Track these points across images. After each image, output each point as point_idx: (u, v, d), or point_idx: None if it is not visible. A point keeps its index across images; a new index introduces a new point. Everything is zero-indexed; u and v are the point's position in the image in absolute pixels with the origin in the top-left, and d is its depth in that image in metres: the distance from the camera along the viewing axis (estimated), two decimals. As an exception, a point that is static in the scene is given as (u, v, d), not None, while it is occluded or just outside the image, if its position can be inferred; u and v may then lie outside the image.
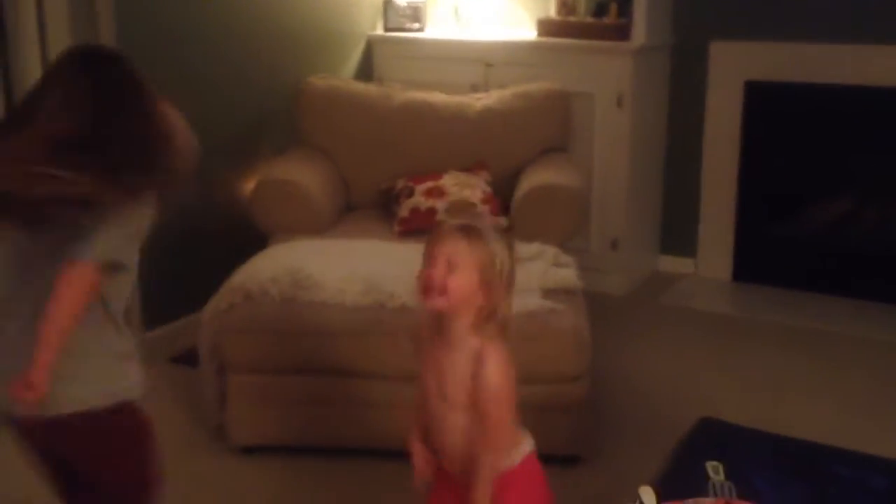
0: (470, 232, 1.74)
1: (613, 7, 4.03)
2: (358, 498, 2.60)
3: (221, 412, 2.81)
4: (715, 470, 1.89)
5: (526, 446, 1.86)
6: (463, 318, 1.75)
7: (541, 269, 2.84)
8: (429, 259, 1.74)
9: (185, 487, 2.64)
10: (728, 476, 1.86)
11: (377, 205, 3.62)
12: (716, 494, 1.80)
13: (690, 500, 1.71)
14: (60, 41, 3.03)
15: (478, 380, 1.73)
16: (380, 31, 4.46)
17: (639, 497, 1.75)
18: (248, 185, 3.62)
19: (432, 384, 1.82)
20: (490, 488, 1.76)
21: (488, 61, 4.19)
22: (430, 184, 3.45)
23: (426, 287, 1.72)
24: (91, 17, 3.06)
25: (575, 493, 2.58)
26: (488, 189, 3.46)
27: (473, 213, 1.84)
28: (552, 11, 4.21)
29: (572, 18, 4.14)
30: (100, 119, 1.74)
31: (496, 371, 1.74)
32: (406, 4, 4.42)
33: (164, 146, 1.84)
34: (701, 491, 1.81)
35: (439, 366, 1.80)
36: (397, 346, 2.58)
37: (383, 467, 2.66)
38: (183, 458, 2.78)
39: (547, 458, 2.61)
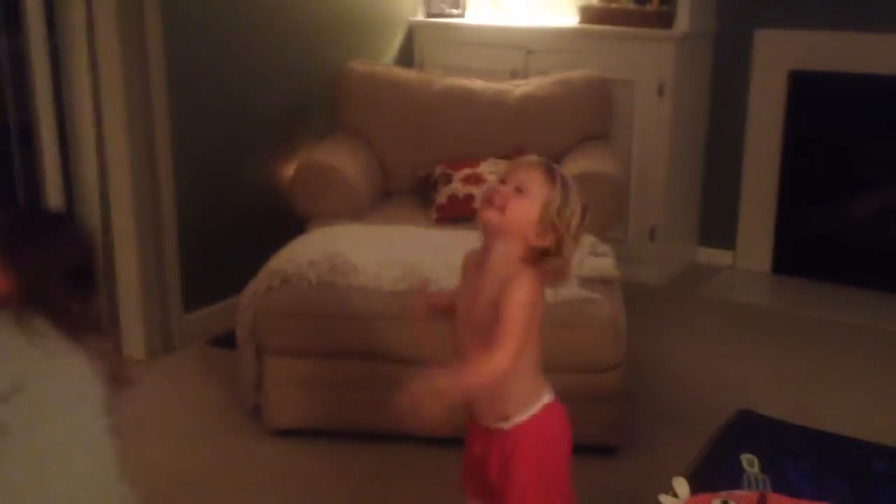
0: (550, 170, 1.76)
1: (656, -6, 3.99)
2: (392, 482, 2.61)
3: (258, 394, 2.84)
4: (750, 462, 1.88)
5: (545, 398, 1.84)
6: (510, 245, 1.75)
7: (577, 258, 2.83)
8: (503, 178, 1.77)
9: (221, 468, 2.68)
10: (763, 469, 1.85)
11: (415, 191, 3.63)
12: (750, 487, 1.79)
13: (724, 492, 1.70)
14: (109, 29, 3.07)
15: (500, 297, 1.72)
16: (421, 17, 4.46)
17: (672, 488, 1.75)
18: (288, 170, 3.65)
19: (463, 310, 1.84)
20: (472, 383, 1.76)
21: (529, 48, 4.17)
22: (468, 171, 3.45)
23: (488, 199, 1.76)
24: (138, 6, 3.09)
25: (610, 483, 2.59)
26: (527, 177, 3.45)
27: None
28: (594, -2, 4.18)
29: (614, 5, 4.10)
30: None
31: (520, 289, 1.71)
32: (447, -10, 4.41)
33: None
34: (736, 483, 1.80)
35: (473, 289, 1.81)
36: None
37: (418, 452, 2.67)
38: (219, 439, 2.82)
39: (583, 448, 2.61)
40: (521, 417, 1.81)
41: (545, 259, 1.75)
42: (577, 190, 1.77)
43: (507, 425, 1.81)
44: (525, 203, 1.72)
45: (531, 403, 1.82)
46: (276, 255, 2.90)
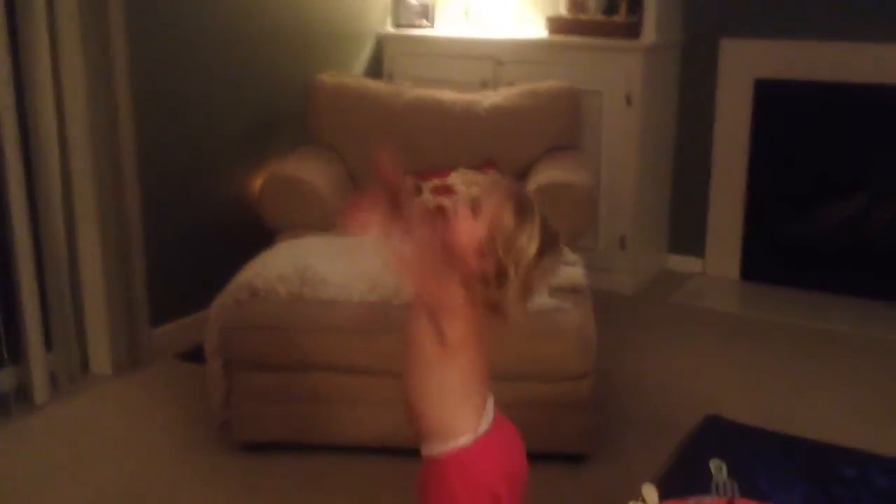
0: (514, 194, 1.59)
1: (624, 5, 4.02)
2: (364, 496, 2.60)
3: (227, 409, 2.81)
4: (718, 468, 1.88)
5: (461, 439, 1.61)
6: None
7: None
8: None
9: (190, 484, 2.65)
10: (731, 474, 1.86)
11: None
12: (719, 493, 1.79)
13: (693, 498, 1.70)
14: (72, 38, 3.04)
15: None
16: (390, 29, 4.46)
17: (641, 495, 1.75)
18: (257, 183, 3.63)
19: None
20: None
21: (498, 59, 4.19)
22: (437, 181, 3.45)
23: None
24: (102, 12, 3.07)
25: (580, 491, 2.59)
26: (496, 187, 3.45)
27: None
28: (562, 9, 4.21)
29: (582, 16, 4.13)
30: None
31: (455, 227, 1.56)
32: (416, 2, 4.42)
33: None
34: (704, 489, 1.81)
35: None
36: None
37: (390, 466, 2.66)
38: (188, 454, 2.79)
39: (552, 456, 2.64)
40: (433, 448, 1.63)
41: (482, 287, 1.55)
42: (542, 226, 1.57)
43: (424, 451, 1.65)
44: (472, 220, 1.56)
45: (444, 438, 1.62)
46: (244, 268, 2.88)
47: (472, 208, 1.57)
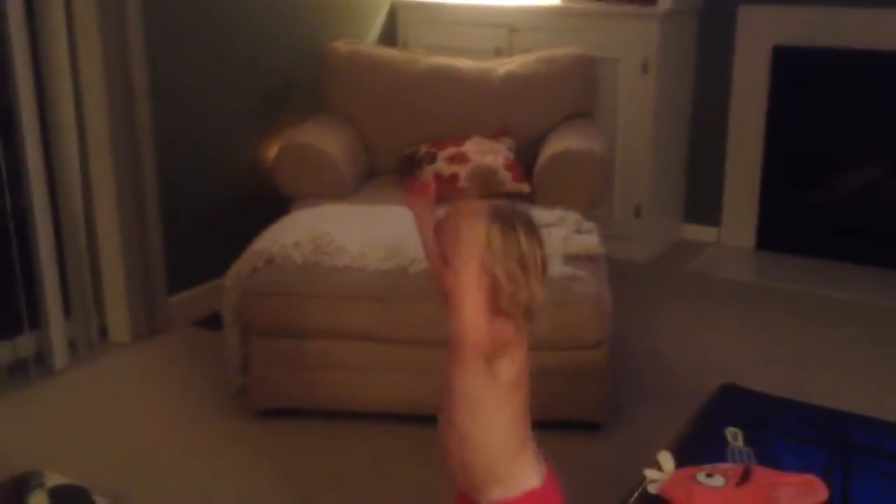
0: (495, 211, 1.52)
1: (640, -29, 3.98)
2: (378, 462, 2.62)
3: (244, 376, 2.84)
4: (734, 436, 1.89)
5: (530, 481, 1.56)
6: None
7: (562, 236, 2.83)
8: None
9: (207, 450, 2.68)
10: (748, 442, 1.86)
11: (400, 171, 3.62)
12: (735, 460, 1.80)
13: (708, 465, 1.71)
14: (88, 9, 3.03)
15: None
16: (404, -4, 4.43)
17: (657, 462, 1.75)
18: (272, 151, 3.63)
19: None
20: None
21: (512, 26, 4.15)
22: (452, 150, 3.44)
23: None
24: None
25: (595, 459, 2.60)
26: (511, 155, 3.45)
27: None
28: (577, -24, 4.17)
29: (598, -18, 4.09)
30: None
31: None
32: (430, -32, 4.38)
33: None
34: (720, 457, 1.81)
35: None
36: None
37: (404, 432, 2.68)
38: (205, 421, 2.82)
39: (568, 424, 2.65)
40: (496, 494, 1.55)
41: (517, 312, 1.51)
42: (512, 215, 1.52)
43: (484, 499, 1.56)
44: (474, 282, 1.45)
45: (508, 483, 1.55)
46: (260, 236, 2.89)
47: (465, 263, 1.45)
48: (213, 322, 3.17)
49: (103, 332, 3.31)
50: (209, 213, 3.59)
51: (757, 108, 4.12)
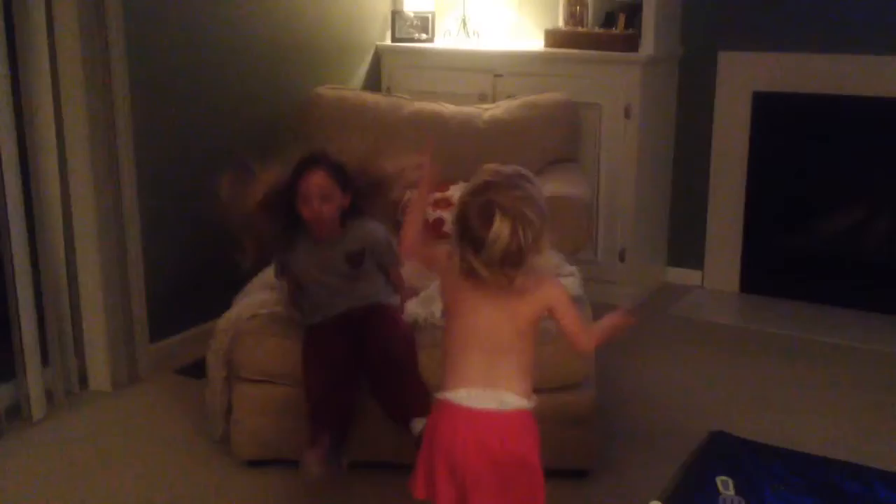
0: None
1: (622, 18, 4.02)
2: (364, 511, 2.58)
3: (227, 424, 2.79)
4: (725, 485, 1.87)
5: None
6: None
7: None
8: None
9: (190, 500, 2.63)
10: (738, 491, 1.85)
11: (384, 215, 3.61)
12: (726, 510, 1.78)
13: (700, 516, 1.69)
14: (72, 58, 3.03)
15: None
16: (388, 42, 4.46)
17: (648, 512, 1.73)
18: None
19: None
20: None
21: (496, 71, 4.18)
22: (437, 195, 3.44)
23: None
24: (100, 28, 3.06)
25: (584, 507, 2.57)
26: (496, 200, 3.44)
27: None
28: (560, 22, 4.21)
29: (580, 29, 4.13)
30: None
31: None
32: (414, 15, 4.42)
33: None
34: (711, 506, 1.80)
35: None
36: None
37: (394, 482, 2.63)
38: (188, 470, 2.77)
39: (555, 471, 2.61)
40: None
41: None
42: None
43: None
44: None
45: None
46: (252, 281, 2.87)
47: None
48: (195, 369, 3.14)
49: (83, 379, 3.26)
50: (192, 259, 3.56)
51: (738, 152, 4.16)
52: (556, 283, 1.93)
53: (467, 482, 1.83)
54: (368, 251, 2.72)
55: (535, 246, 1.76)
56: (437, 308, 2.69)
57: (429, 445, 1.90)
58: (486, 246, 1.74)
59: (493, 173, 1.83)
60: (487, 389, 1.84)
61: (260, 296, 2.83)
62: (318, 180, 2.62)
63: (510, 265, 1.76)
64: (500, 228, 1.73)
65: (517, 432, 1.86)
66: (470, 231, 1.77)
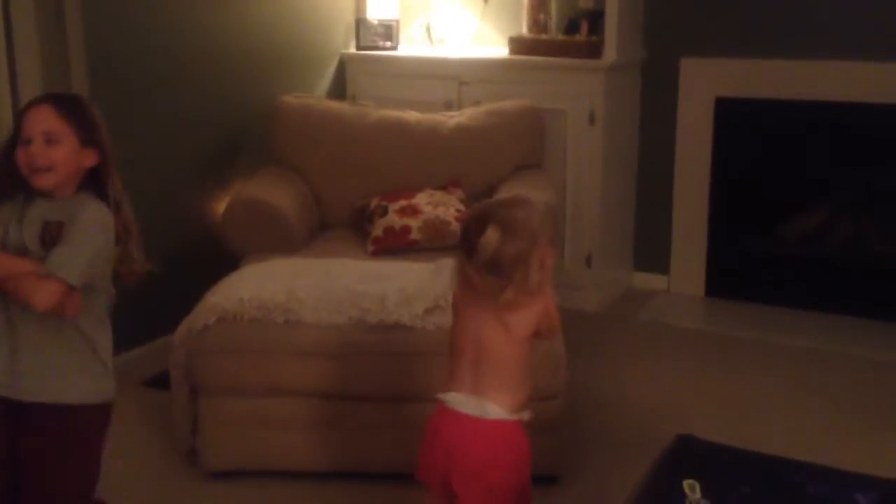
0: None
1: (585, 25, 4.05)
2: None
3: (193, 436, 2.77)
4: (691, 488, 1.88)
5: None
6: None
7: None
8: None
9: (158, 513, 2.60)
10: (705, 494, 1.86)
11: (351, 224, 3.61)
12: (693, 513, 1.79)
13: (668, 520, 1.70)
14: (31, 64, 3.00)
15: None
16: (353, 50, 4.46)
17: (616, 517, 1.74)
18: (221, 205, 3.59)
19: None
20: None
21: (461, 79, 4.20)
22: (403, 202, 3.44)
23: None
24: (61, 36, 3.03)
25: (553, 513, 2.58)
26: (462, 207, 3.45)
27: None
28: (524, 29, 4.23)
29: (544, 36, 4.16)
30: None
31: None
32: (378, 23, 4.42)
33: None
34: (678, 510, 1.81)
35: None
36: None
37: (359, 491, 2.63)
38: (155, 483, 2.75)
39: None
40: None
41: None
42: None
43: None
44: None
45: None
46: (209, 292, 2.85)
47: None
48: (162, 381, 3.10)
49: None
50: (158, 268, 3.52)
51: (702, 156, 4.20)
52: (547, 296, 2.02)
53: (454, 478, 1.96)
54: (65, 230, 2.05)
55: (524, 264, 1.88)
56: (418, 307, 2.67)
57: (431, 437, 2.02)
58: (476, 250, 1.88)
59: (503, 198, 2.09)
60: (472, 396, 1.96)
61: (210, 299, 2.79)
62: (39, 116, 2.01)
63: (496, 272, 1.88)
64: (491, 235, 1.86)
65: (495, 442, 1.98)
66: (468, 239, 1.92)
